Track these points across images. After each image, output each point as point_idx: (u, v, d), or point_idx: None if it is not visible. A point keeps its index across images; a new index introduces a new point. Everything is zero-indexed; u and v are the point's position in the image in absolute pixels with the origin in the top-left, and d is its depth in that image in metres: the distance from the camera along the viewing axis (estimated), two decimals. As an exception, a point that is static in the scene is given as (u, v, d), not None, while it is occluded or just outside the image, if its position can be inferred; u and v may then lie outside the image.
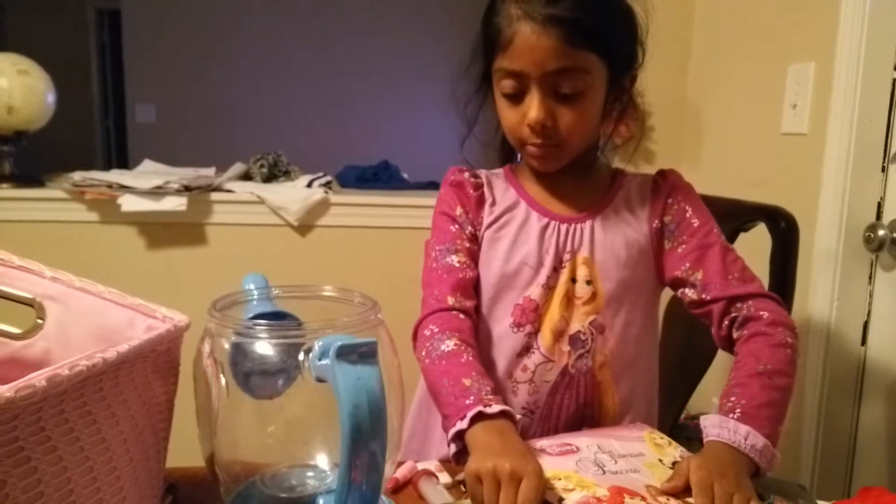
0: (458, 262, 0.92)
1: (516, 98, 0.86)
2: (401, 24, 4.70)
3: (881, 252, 1.33)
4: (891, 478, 1.34)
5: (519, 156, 1.00)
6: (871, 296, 1.37)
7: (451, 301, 0.89)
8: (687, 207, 0.92)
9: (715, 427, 0.76)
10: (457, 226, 0.94)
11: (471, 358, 0.84)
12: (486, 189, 0.95)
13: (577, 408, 0.90)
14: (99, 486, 0.46)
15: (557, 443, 0.76)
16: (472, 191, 0.95)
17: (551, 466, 0.70)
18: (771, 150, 1.60)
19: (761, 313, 0.86)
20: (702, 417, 0.79)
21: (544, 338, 0.90)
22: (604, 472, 0.69)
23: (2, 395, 0.35)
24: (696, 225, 0.91)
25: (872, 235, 1.32)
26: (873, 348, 1.36)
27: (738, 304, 0.87)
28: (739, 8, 1.77)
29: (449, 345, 0.84)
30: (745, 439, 0.75)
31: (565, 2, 0.80)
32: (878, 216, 1.34)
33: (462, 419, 0.75)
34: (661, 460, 0.75)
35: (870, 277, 1.36)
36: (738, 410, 0.78)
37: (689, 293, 0.90)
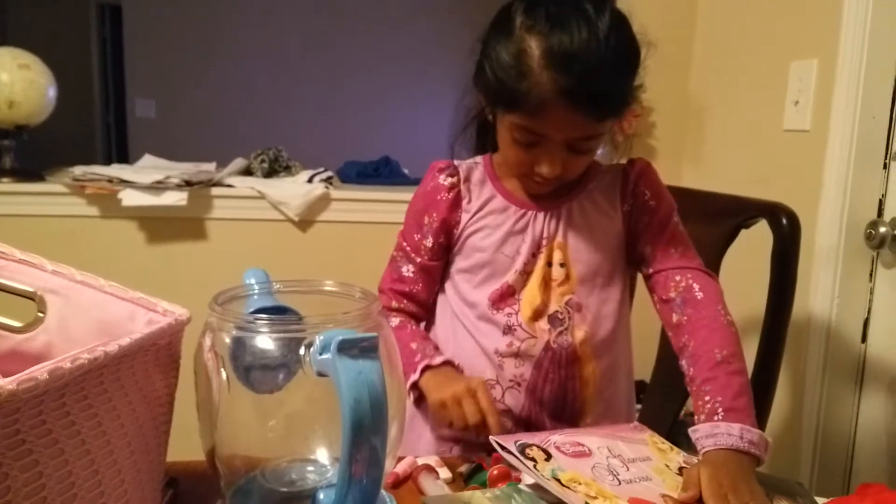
0: (412, 273, 1.01)
1: (528, 146, 0.86)
2: (402, 20, 4.69)
3: (882, 249, 1.33)
4: (890, 475, 1.34)
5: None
6: (871, 293, 1.37)
7: (394, 304, 1.01)
8: (646, 191, 0.96)
9: (709, 437, 0.76)
10: (419, 235, 0.99)
11: (414, 327, 1.00)
12: (462, 186, 0.97)
13: (561, 380, 0.94)
14: (100, 479, 0.46)
15: (570, 441, 0.76)
16: (445, 194, 0.97)
17: (569, 467, 0.70)
18: (773, 147, 1.59)
19: (697, 294, 0.90)
20: (690, 430, 0.79)
21: (525, 316, 0.93)
22: (619, 483, 0.69)
23: (4, 387, 0.35)
24: (652, 206, 0.96)
25: (874, 232, 1.32)
26: (873, 346, 1.36)
27: (678, 278, 0.92)
28: (742, 4, 1.77)
29: (394, 321, 0.99)
30: (741, 438, 0.75)
31: (598, 70, 0.79)
32: (880, 213, 1.34)
33: (415, 372, 0.91)
34: (667, 465, 0.76)
35: (870, 275, 1.36)
36: (720, 410, 0.78)
37: (643, 269, 0.97)
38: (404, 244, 1.01)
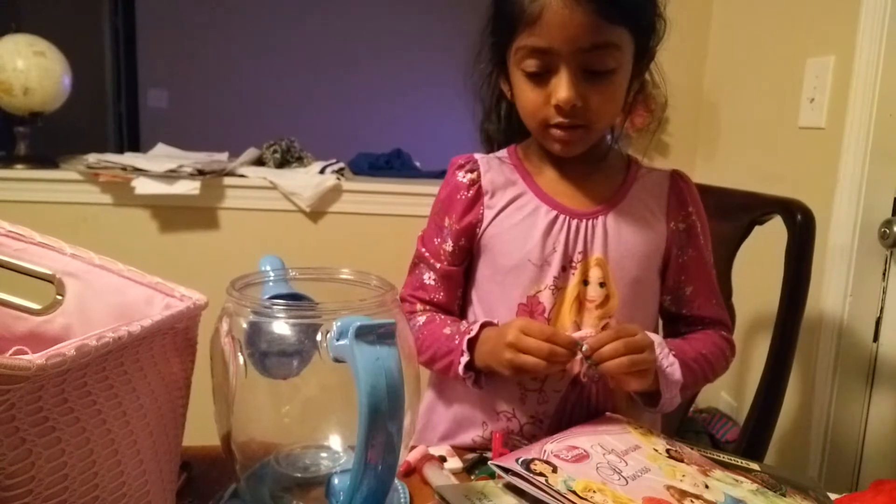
0: (433, 280, 0.93)
1: (540, 77, 0.80)
2: (415, 9, 4.69)
3: (896, 248, 1.33)
4: (900, 475, 1.34)
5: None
6: (884, 292, 1.36)
7: (419, 307, 0.94)
8: (698, 223, 0.92)
9: (659, 345, 0.82)
10: (439, 239, 0.92)
11: (442, 315, 0.92)
12: (483, 180, 0.89)
13: (588, 416, 0.86)
14: (120, 459, 0.46)
15: (564, 446, 0.73)
16: (464, 193, 0.90)
17: (578, 475, 0.68)
18: (787, 144, 1.59)
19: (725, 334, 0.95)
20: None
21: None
22: (626, 482, 0.68)
23: (33, 362, 0.35)
24: (702, 241, 0.92)
25: (888, 231, 1.31)
26: (885, 345, 1.36)
27: (708, 323, 0.93)
28: (758, 0, 1.76)
29: (421, 319, 0.92)
30: (672, 374, 0.82)
31: None
32: (895, 212, 1.33)
33: (462, 355, 0.84)
34: (655, 449, 0.76)
35: (884, 273, 1.36)
36: (674, 353, 0.84)
37: (667, 300, 0.93)
38: (423, 250, 0.93)
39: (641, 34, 0.82)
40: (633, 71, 0.85)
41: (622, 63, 0.80)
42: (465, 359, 0.84)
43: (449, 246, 0.91)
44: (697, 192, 0.93)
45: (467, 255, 0.92)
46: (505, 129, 0.96)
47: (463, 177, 0.91)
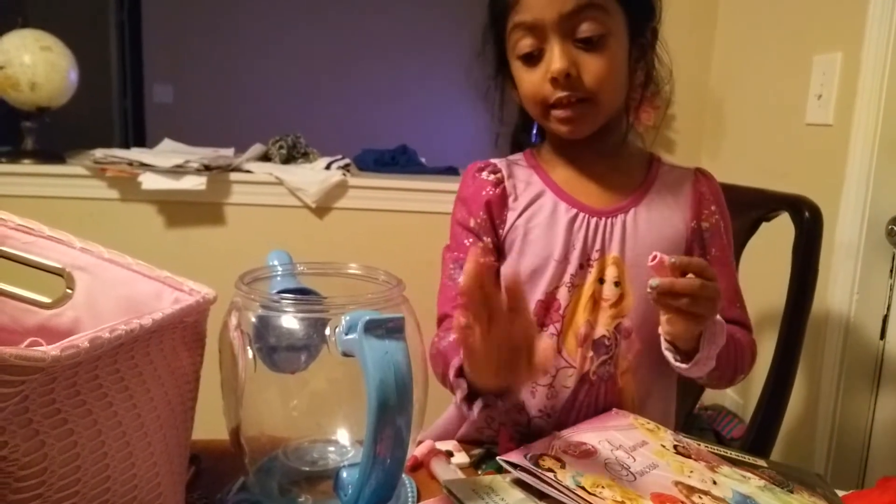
0: None
1: (535, 58, 0.82)
2: (422, 7, 4.68)
3: (903, 246, 1.32)
4: (906, 472, 1.34)
5: (535, 136, 0.96)
6: (891, 289, 1.36)
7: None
8: (721, 222, 0.90)
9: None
10: (471, 238, 0.90)
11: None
12: (507, 182, 0.89)
13: (596, 414, 0.85)
14: (131, 451, 0.47)
15: (571, 443, 0.73)
16: (490, 189, 0.89)
17: (587, 470, 0.67)
18: (794, 141, 1.58)
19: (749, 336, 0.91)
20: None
21: (568, 343, 0.85)
22: (634, 477, 0.68)
23: (48, 353, 0.36)
24: (724, 242, 0.90)
25: (895, 229, 1.31)
26: (892, 342, 1.35)
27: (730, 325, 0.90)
28: (765, -4, 1.75)
29: (452, 336, 0.84)
30: (718, 323, 0.77)
31: None
32: (902, 209, 1.33)
33: (458, 388, 0.75)
34: (663, 445, 0.75)
35: (891, 271, 1.35)
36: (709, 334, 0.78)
37: None
38: (456, 254, 0.91)
39: (631, 4, 0.82)
40: (634, 49, 0.85)
41: (611, 29, 0.80)
42: (460, 394, 0.74)
43: (486, 241, 0.90)
44: (721, 192, 0.92)
45: (499, 255, 0.90)
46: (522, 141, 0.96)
47: (487, 176, 0.90)
